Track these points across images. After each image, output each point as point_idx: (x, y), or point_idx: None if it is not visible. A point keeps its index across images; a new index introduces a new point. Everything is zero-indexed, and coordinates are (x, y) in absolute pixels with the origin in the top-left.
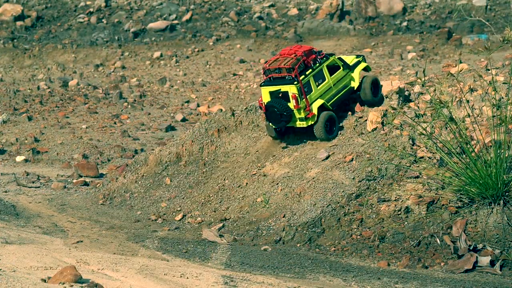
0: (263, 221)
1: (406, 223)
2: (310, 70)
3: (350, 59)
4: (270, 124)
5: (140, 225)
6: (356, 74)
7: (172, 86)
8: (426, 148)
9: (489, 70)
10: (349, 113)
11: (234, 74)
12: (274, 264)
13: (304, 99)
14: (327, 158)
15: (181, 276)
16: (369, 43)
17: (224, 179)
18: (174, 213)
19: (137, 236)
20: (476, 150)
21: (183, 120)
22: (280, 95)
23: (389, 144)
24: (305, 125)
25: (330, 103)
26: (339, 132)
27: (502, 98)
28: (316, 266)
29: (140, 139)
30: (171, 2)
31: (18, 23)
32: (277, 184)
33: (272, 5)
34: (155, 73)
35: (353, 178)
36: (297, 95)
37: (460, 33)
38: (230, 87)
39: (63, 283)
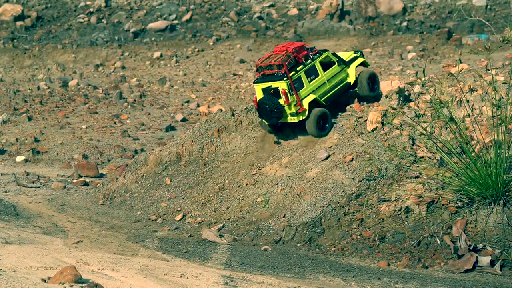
0: (263, 221)
1: (406, 223)
2: (302, 66)
3: (347, 55)
4: (263, 120)
5: (140, 225)
6: (352, 69)
7: (172, 86)
8: (426, 148)
9: (489, 70)
10: (348, 112)
11: (234, 74)
12: (274, 264)
13: (294, 95)
14: (327, 158)
15: (181, 276)
16: (369, 43)
17: (224, 179)
18: (174, 213)
19: (137, 236)
20: (476, 150)
21: (183, 120)
22: (271, 91)
23: (389, 144)
24: (296, 120)
25: (323, 98)
26: (339, 132)
27: (502, 98)
28: (316, 266)
29: (140, 139)
30: (171, 2)
31: (18, 23)
32: (277, 184)
33: (272, 5)
34: (155, 73)
35: (353, 178)
36: (286, 91)
37: (460, 33)
38: (230, 87)
39: (63, 283)
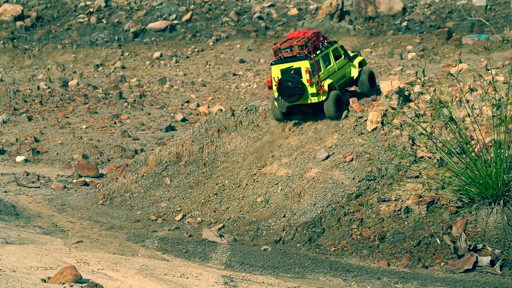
0: (263, 221)
1: (406, 223)
2: (319, 51)
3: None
4: (282, 100)
5: (140, 225)
6: (355, 65)
7: (172, 86)
8: (426, 148)
9: (489, 70)
10: (346, 112)
11: (234, 74)
12: (274, 264)
13: (316, 75)
14: (327, 158)
15: (181, 276)
16: (369, 43)
17: (224, 179)
18: (174, 213)
19: (137, 236)
20: (476, 150)
21: (183, 120)
22: (292, 72)
23: (389, 144)
24: (316, 101)
25: (336, 85)
26: (339, 132)
27: (502, 98)
28: (316, 266)
29: (140, 139)
30: (171, 2)
31: (18, 23)
32: (277, 184)
33: (272, 5)
34: (155, 73)
35: (353, 178)
36: (310, 70)
37: (460, 33)
38: (230, 87)
39: (63, 283)
